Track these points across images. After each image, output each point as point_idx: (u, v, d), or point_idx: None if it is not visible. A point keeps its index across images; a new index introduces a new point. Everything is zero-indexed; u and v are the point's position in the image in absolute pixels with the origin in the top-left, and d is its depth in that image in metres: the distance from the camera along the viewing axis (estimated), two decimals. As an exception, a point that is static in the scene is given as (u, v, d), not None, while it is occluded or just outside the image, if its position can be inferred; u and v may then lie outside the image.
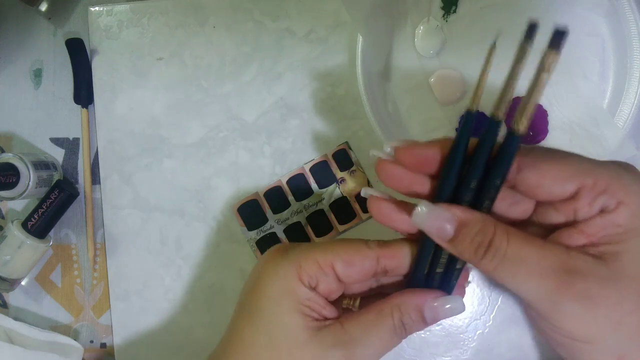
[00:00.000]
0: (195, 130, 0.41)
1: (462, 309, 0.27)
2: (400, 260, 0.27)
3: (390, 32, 0.39)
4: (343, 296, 0.29)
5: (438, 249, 0.26)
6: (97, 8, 0.41)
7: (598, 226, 0.23)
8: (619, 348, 0.23)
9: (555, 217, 0.25)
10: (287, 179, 0.40)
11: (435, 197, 0.25)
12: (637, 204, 0.23)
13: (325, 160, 0.40)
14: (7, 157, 0.38)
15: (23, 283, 0.42)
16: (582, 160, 0.24)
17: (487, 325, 0.39)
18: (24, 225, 0.39)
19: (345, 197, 0.40)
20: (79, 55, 0.41)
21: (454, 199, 0.25)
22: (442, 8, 0.39)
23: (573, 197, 0.24)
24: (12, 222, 0.39)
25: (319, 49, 0.40)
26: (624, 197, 0.23)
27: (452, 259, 0.26)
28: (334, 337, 0.26)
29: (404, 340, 0.39)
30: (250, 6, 0.40)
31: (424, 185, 0.26)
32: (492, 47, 0.22)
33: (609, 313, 0.23)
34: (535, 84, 0.21)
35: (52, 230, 0.40)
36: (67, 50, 0.41)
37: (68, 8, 0.43)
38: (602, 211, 0.23)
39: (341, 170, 0.40)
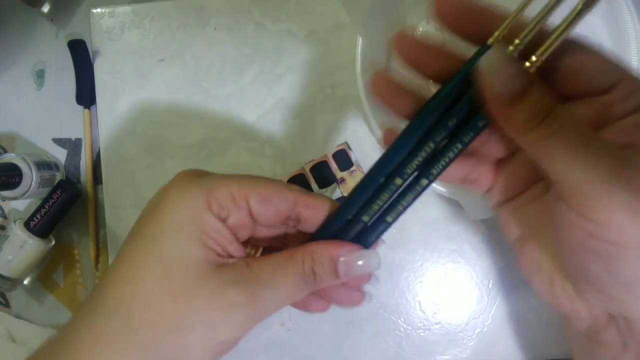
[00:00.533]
0: (196, 130, 0.41)
1: (377, 265, 0.25)
2: (317, 212, 0.26)
3: (390, 33, 0.39)
4: (247, 242, 0.27)
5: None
6: (99, 9, 0.42)
7: (634, 123, 0.21)
8: None
9: (587, 116, 0.22)
10: (287, 179, 0.40)
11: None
12: None
13: (325, 161, 0.40)
14: (10, 158, 0.38)
15: (25, 283, 0.42)
16: (619, 61, 0.23)
17: (485, 324, 0.39)
18: (27, 225, 0.39)
19: (345, 197, 0.40)
20: (81, 56, 0.41)
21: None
22: (441, 10, 0.39)
23: (608, 90, 0.22)
24: (15, 221, 0.39)
25: (319, 51, 0.40)
26: None
27: (387, 209, 0.24)
28: (237, 274, 0.24)
29: (403, 339, 0.40)
30: (251, 8, 0.41)
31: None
32: None
33: None
34: (571, 19, 0.21)
35: (55, 230, 0.41)
36: (69, 52, 0.41)
37: (70, 9, 0.43)
38: (636, 110, 0.22)
39: (341, 170, 0.40)
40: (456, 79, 0.23)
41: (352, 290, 0.27)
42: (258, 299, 0.23)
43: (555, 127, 0.20)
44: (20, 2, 0.41)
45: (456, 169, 0.25)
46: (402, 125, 0.24)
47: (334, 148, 0.40)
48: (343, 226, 0.25)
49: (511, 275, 0.39)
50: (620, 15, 0.36)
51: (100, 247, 0.42)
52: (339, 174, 0.40)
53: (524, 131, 0.21)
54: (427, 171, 0.24)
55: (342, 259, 0.24)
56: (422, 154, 0.23)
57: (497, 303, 0.39)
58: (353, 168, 0.40)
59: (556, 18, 0.21)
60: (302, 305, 0.27)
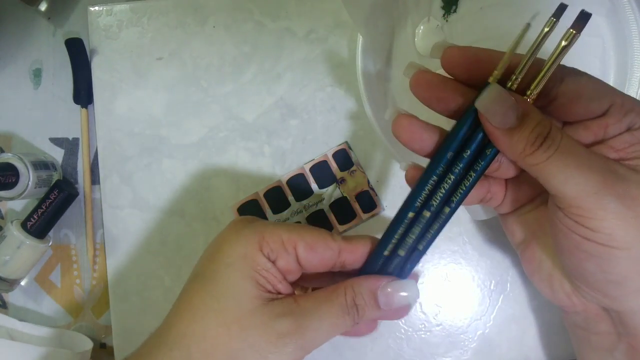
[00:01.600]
0: (195, 130, 0.41)
1: (416, 295, 0.27)
2: (359, 256, 0.28)
3: (390, 32, 0.39)
4: (296, 285, 0.30)
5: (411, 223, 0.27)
6: (96, 8, 0.41)
7: (627, 142, 0.24)
8: None
9: (585, 137, 0.26)
10: (287, 179, 0.40)
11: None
12: None
13: (325, 160, 0.40)
14: (7, 157, 0.38)
15: (22, 283, 0.42)
16: (611, 85, 0.25)
17: (487, 325, 0.39)
18: (24, 225, 0.39)
19: (345, 197, 0.39)
20: (79, 55, 0.41)
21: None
22: (443, 8, 0.38)
23: (604, 114, 0.25)
24: (12, 222, 0.39)
25: (319, 49, 0.40)
26: None
27: (419, 240, 0.27)
28: (285, 308, 0.26)
29: (404, 341, 0.39)
30: (250, 6, 0.40)
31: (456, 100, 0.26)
32: (527, 27, 0.23)
33: None
34: (555, 55, 0.23)
35: (52, 231, 0.40)
36: (66, 50, 0.41)
37: (67, 8, 0.43)
38: (629, 129, 0.24)
39: (341, 170, 0.40)
40: (465, 117, 0.25)
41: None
42: (304, 330, 0.26)
43: (551, 152, 0.23)
44: (17, 0, 0.40)
45: (475, 192, 0.28)
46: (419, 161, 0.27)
47: (334, 148, 0.40)
48: (383, 262, 0.28)
49: (513, 277, 0.39)
50: (623, 13, 0.36)
51: (97, 247, 0.41)
52: (339, 174, 0.40)
53: (523, 157, 0.24)
54: (450, 200, 0.26)
55: (381, 290, 0.27)
56: (445, 186, 0.26)
57: (498, 305, 0.39)
58: (353, 168, 0.40)
59: (551, 46, 0.24)
60: (353, 332, 0.30)
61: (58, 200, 0.39)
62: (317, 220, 0.39)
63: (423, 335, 0.39)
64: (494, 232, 0.39)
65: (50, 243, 0.41)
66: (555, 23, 0.23)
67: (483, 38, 0.38)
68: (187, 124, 0.41)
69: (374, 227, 0.39)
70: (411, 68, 0.26)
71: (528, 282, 0.39)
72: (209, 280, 0.27)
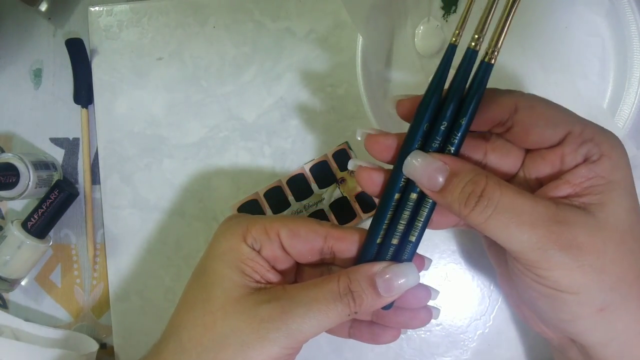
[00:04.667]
0: (195, 130, 0.41)
1: (416, 278, 0.26)
2: (349, 244, 0.28)
3: (390, 32, 0.39)
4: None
5: (397, 212, 0.26)
6: (97, 8, 0.41)
7: (582, 176, 0.24)
8: (601, 299, 0.23)
9: (542, 168, 0.25)
10: (287, 179, 0.40)
11: (405, 139, 0.26)
12: (618, 157, 0.24)
13: (325, 160, 0.40)
14: (7, 157, 0.38)
15: (23, 283, 0.42)
16: (572, 112, 0.25)
17: (487, 325, 0.39)
18: (24, 225, 0.39)
19: (345, 197, 0.40)
20: (79, 55, 0.41)
21: (424, 143, 0.25)
22: (442, 8, 0.39)
23: (560, 143, 0.24)
24: (12, 222, 0.39)
25: (319, 49, 0.40)
26: (606, 150, 0.24)
27: (408, 228, 0.26)
28: (272, 295, 0.26)
29: (404, 341, 0.39)
30: (251, 6, 0.40)
31: None
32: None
33: (593, 261, 0.23)
34: (508, 9, 0.23)
35: (52, 231, 0.40)
36: (67, 51, 0.41)
37: (68, 8, 0.43)
38: (586, 160, 0.24)
39: (341, 170, 0.40)
40: (435, 79, 0.25)
41: (418, 311, 0.29)
42: (288, 316, 0.25)
43: (488, 211, 0.23)
44: (17, 0, 0.40)
45: (447, 219, 0.28)
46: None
47: (334, 148, 0.40)
48: (377, 253, 0.27)
49: (513, 276, 0.39)
50: (623, 13, 0.36)
51: (98, 247, 0.41)
52: (339, 174, 0.40)
53: (461, 216, 0.24)
54: None
55: (379, 276, 0.26)
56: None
57: (498, 304, 0.39)
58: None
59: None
60: (371, 338, 0.30)
61: (58, 200, 0.39)
62: (317, 220, 0.40)
63: (423, 335, 0.39)
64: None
65: (51, 243, 0.41)
66: None
67: (483, 38, 0.38)
68: (188, 124, 0.41)
69: (374, 227, 0.40)
70: (362, 133, 0.27)
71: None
72: (200, 274, 0.28)
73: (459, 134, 0.25)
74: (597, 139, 0.24)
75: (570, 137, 0.24)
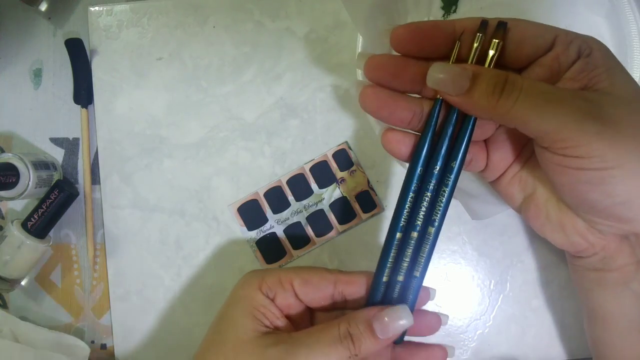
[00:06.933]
0: (195, 130, 0.41)
1: (411, 320, 0.28)
2: (357, 287, 0.30)
3: (390, 33, 0.39)
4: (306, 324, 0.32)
5: (401, 250, 0.28)
6: (96, 8, 0.41)
7: (582, 69, 0.25)
8: None
9: (542, 74, 0.26)
10: (287, 179, 0.40)
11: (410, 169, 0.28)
12: (606, 49, 0.25)
13: (325, 160, 0.40)
14: (7, 157, 0.38)
15: (23, 283, 0.42)
16: (548, 25, 0.26)
17: (487, 325, 0.39)
18: (24, 225, 0.39)
19: (345, 197, 0.40)
20: (79, 55, 0.41)
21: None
22: (442, 8, 0.39)
23: (551, 47, 0.25)
24: (12, 222, 0.39)
25: (319, 49, 0.40)
26: (594, 45, 0.25)
27: (412, 264, 0.28)
28: (278, 338, 0.28)
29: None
30: (251, 6, 0.40)
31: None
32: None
33: (627, 129, 0.23)
34: (487, 65, 0.26)
35: (52, 231, 0.40)
36: (66, 51, 0.41)
37: (68, 8, 0.43)
38: (580, 56, 0.25)
39: (341, 170, 0.40)
40: (433, 111, 0.27)
41: (432, 349, 0.31)
42: (292, 357, 0.27)
43: (515, 95, 0.23)
44: (17, 0, 0.40)
45: (480, 130, 0.29)
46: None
47: (334, 148, 0.40)
48: (385, 292, 0.29)
49: (512, 277, 0.39)
50: (623, 14, 0.36)
51: (98, 247, 0.41)
52: (339, 174, 0.40)
53: (492, 111, 0.24)
54: (430, 219, 0.28)
55: (376, 319, 0.27)
56: (424, 204, 0.27)
57: (498, 304, 0.39)
58: (353, 168, 0.40)
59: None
60: None
61: (58, 200, 0.39)
62: (317, 220, 0.40)
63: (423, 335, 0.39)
64: (493, 232, 0.39)
65: (51, 243, 0.41)
66: (481, 37, 0.25)
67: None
68: (187, 124, 0.41)
69: (374, 227, 0.40)
70: (362, 57, 0.27)
71: (527, 282, 0.39)
72: (219, 319, 0.31)
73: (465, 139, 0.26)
74: (582, 38, 0.25)
75: (558, 39, 0.25)
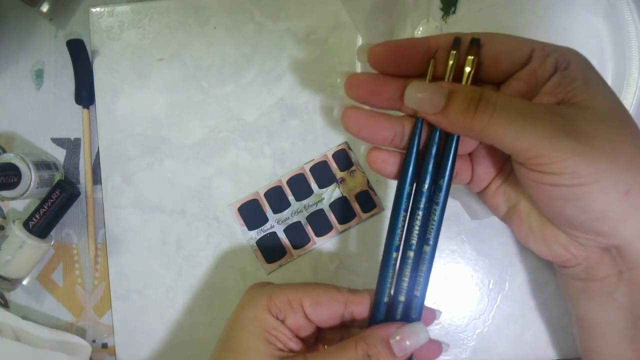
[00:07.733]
0: (195, 130, 0.41)
1: (427, 335, 0.27)
2: (366, 307, 0.30)
3: (390, 33, 0.39)
4: (317, 343, 0.32)
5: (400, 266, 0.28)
6: (98, 9, 0.42)
7: (559, 82, 0.25)
8: (622, 181, 0.23)
9: (520, 89, 0.26)
10: (287, 179, 0.40)
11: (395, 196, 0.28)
12: (584, 61, 0.25)
13: (325, 160, 0.40)
14: (9, 157, 0.38)
15: (24, 283, 0.42)
16: (525, 38, 0.26)
17: (486, 324, 0.39)
18: (26, 225, 0.39)
19: (345, 197, 0.40)
20: (80, 56, 0.41)
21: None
22: (442, 9, 0.39)
23: (528, 61, 0.25)
24: (14, 221, 0.39)
25: (319, 50, 0.40)
26: (571, 57, 0.25)
27: (412, 284, 0.28)
28: None
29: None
30: (251, 7, 0.41)
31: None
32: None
33: (602, 144, 0.23)
34: (465, 81, 0.26)
35: (54, 230, 0.41)
36: (68, 51, 0.41)
37: (69, 9, 0.43)
38: (557, 69, 0.25)
39: (341, 170, 0.40)
40: (415, 130, 0.27)
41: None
42: None
43: (490, 111, 0.23)
44: (19, 1, 0.41)
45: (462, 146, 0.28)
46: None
47: (334, 148, 0.40)
48: (387, 312, 0.29)
49: (511, 276, 0.39)
50: (622, 14, 0.36)
51: (99, 247, 0.42)
52: (339, 174, 0.40)
53: (469, 127, 0.24)
54: (425, 237, 0.28)
55: (393, 338, 0.27)
56: (417, 223, 0.27)
57: (497, 304, 0.39)
58: (353, 168, 0.40)
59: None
60: None
61: (60, 200, 0.39)
62: (317, 220, 0.40)
63: (422, 334, 0.39)
64: (492, 232, 0.39)
65: (52, 242, 0.41)
66: (456, 55, 0.25)
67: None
68: (188, 124, 0.41)
69: (374, 227, 0.40)
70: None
71: (526, 282, 0.39)
72: (227, 342, 0.30)
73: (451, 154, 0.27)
74: (560, 51, 0.25)
75: (535, 52, 0.25)
